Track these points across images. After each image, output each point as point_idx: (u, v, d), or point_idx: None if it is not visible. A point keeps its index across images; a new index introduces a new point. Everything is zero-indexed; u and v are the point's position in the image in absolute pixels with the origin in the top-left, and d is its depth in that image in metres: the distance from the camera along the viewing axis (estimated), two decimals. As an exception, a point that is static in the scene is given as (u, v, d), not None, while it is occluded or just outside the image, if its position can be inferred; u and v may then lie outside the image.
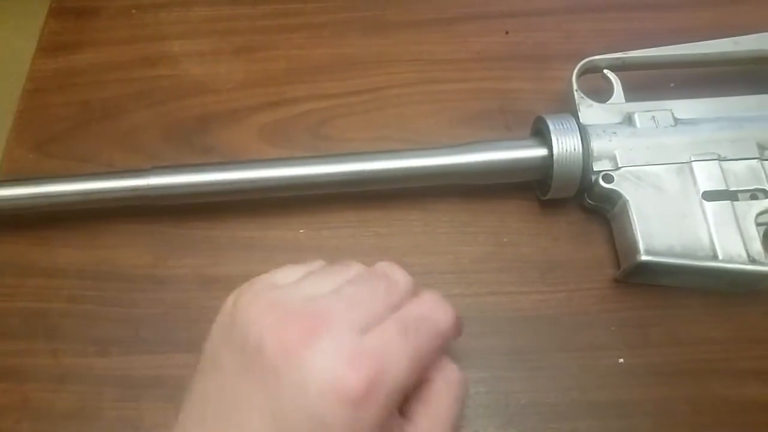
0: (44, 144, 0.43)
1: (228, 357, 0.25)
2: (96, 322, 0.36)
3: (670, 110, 0.38)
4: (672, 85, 0.43)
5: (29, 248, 0.39)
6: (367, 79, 0.45)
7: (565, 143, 0.35)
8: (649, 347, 0.35)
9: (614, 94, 0.39)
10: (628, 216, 0.35)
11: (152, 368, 0.35)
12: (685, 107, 0.38)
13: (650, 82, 0.42)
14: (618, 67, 0.40)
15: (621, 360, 0.34)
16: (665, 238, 0.34)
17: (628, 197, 0.35)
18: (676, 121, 0.37)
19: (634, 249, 0.34)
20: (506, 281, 0.37)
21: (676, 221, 0.35)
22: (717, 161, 0.36)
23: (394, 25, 0.47)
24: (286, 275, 0.28)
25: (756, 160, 0.36)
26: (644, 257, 0.33)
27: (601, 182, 0.35)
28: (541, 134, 0.37)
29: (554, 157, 0.35)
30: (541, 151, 0.36)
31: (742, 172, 0.35)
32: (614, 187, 0.35)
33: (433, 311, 0.27)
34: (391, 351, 0.24)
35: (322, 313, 0.24)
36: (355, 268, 0.28)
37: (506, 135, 0.42)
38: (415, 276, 0.37)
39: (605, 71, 0.40)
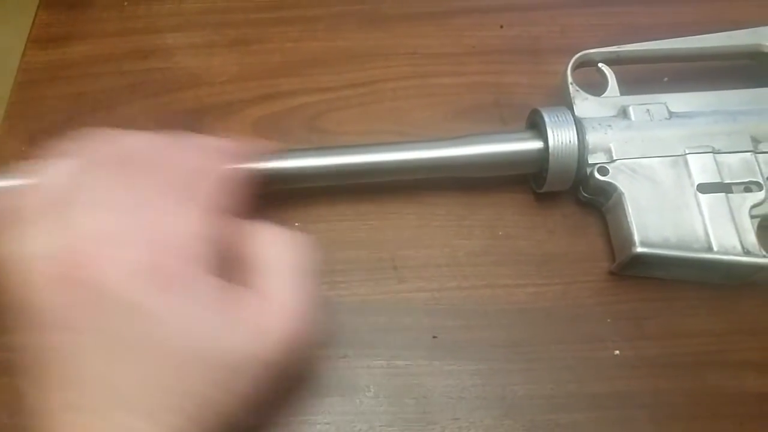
0: (36, 136, 0.42)
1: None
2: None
3: (665, 103, 0.38)
4: (666, 79, 0.43)
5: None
6: (362, 73, 0.45)
7: (560, 136, 0.36)
8: (645, 339, 0.35)
9: (609, 87, 0.39)
10: (623, 208, 0.35)
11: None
12: (680, 101, 0.38)
13: (644, 76, 0.42)
14: (613, 61, 0.40)
15: (617, 352, 0.34)
16: (660, 231, 0.34)
17: (623, 190, 0.35)
18: (671, 114, 0.37)
19: (629, 241, 0.34)
20: (502, 274, 0.37)
21: (671, 213, 0.35)
22: (711, 154, 0.36)
23: (389, 19, 0.47)
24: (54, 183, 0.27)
25: (750, 153, 0.36)
26: (639, 249, 0.34)
27: (597, 175, 0.36)
28: (536, 127, 0.37)
29: (550, 150, 0.35)
30: (536, 144, 0.36)
31: (737, 165, 0.36)
32: (609, 180, 0.35)
33: (198, 161, 0.28)
34: (166, 220, 0.25)
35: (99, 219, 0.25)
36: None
37: (502, 128, 0.42)
38: (411, 269, 0.37)
39: (600, 65, 0.40)
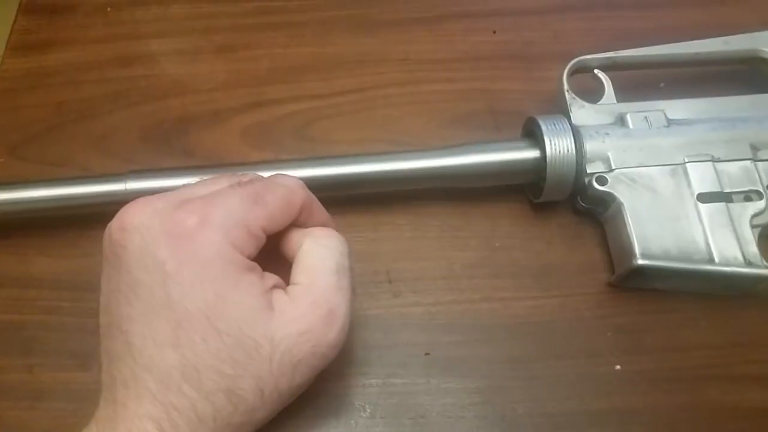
0: (16, 147, 0.41)
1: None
2: (74, 335, 0.34)
3: (663, 111, 0.37)
4: (662, 85, 0.42)
5: (1, 257, 0.37)
6: (352, 79, 0.44)
7: (558, 145, 0.35)
8: (646, 353, 0.34)
9: (605, 94, 0.38)
10: (623, 219, 0.34)
11: (133, 383, 0.33)
12: (678, 107, 0.37)
13: (640, 82, 0.41)
14: (608, 67, 0.39)
15: (618, 367, 0.34)
16: (661, 242, 0.34)
17: (622, 200, 0.34)
18: (669, 122, 0.37)
19: (629, 253, 0.33)
20: (499, 287, 0.36)
21: (671, 224, 0.34)
22: (711, 162, 0.35)
23: (379, 24, 0.46)
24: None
25: (749, 161, 0.35)
26: (640, 261, 0.33)
27: (595, 184, 0.35)
28: (532, 135, 0.36)
29: (547, 159, 0.35)
30: (533, 153, 0.36)
31: (736, 174, 0.35)
32: (608, 190, 0.35)
33: (270, 179, 0.29)
34: (221, 194, 0.27)
35: (158, 196, 0.27)
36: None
37: (496, 136, 0.41)
38: (406, 282, 0.36)
39: (596, 71, 0.39)
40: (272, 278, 0.27)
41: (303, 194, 0.29)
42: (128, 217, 0.26)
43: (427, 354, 0.34)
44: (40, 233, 0.37)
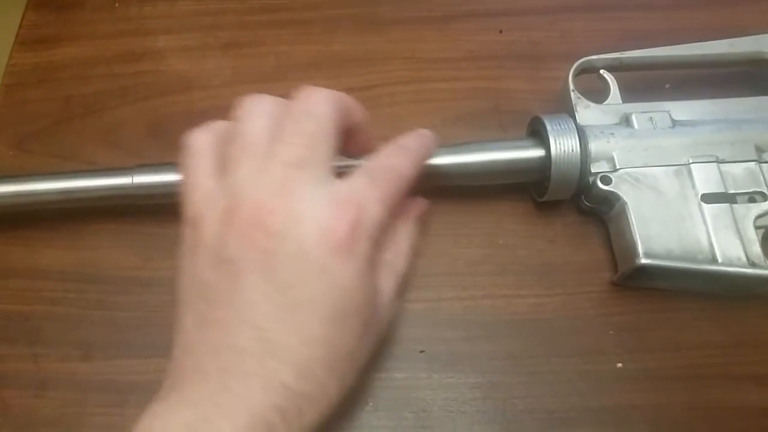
0: (24, 140, 0.41)
1: (210, 272, 0.26)
2: (78, 326, 0.35)
3: (668, 111, 0.37)
4: (667, 86, 0.42)
5: (9, 249, 0.37)
6: (358, 77, 0.44)
7: (563, 144, 0.35)
8: (648, 352, 0.34)
9: (611, 94, 0.38)
10: (627, 218, 0.34)
11: (137, 373, 0.33)
12: (683, 109, 0.37)
13: (645, 83, 0.41)
14: (615, 68, 0.39)
15: (619, 365, 0.34)
16: (664, 241, 0.34)
17: (626, 199, 0.34)
18: (674, 123, 0.37)
19: (633, 252, 0.33)
20: (502, 284, 0.36)
21: (674, 224, 0.34)
22: (715, 163, 0.35)
23: (385, 23, 0.46)
24: (204, 158, 0.29)
25: (754, 162, 0.35)
26: (643, 260, 0.33)
27: (599, 184, 0.35)
28: (538, 135, 0.37)
29: (552, 158, 0.35)
30: (538, 152, 0.36)
31: (741, 175, 0.35)
32: (612, 189, 0.35)
33: (393, 159, 0.30)
34: (365, 196, 0.27)
35: (277, 175, 0.26)
36: (264, 102, 0.30)
37: (502, 135, 0.41)
38: (409, 278, 0.36)
39: (601, 71, 0.39)
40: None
41: (414, 173, 0.30)
42: (270, 219, 0.26)
43: (422, 351, 0.34)
44: (48, 225, 0.37)
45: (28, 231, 0.38)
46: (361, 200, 0.27)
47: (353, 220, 0.26)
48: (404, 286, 0.31)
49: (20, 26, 0.46)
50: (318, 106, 0.29)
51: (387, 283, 0.30)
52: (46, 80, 0.44)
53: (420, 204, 0.35)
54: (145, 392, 0.32)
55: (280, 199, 0.26)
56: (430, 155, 0.33)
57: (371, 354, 0.29)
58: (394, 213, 0.29)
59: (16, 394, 0.33)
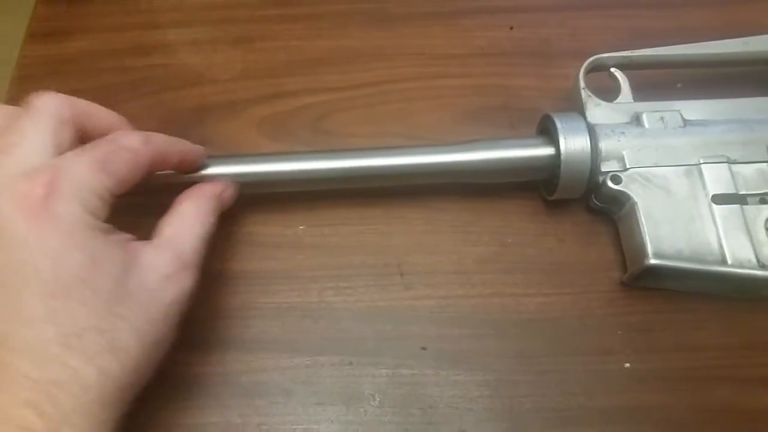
0: (34, 133, 0.41)
1: None
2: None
3: (679, 111, 0.37)
4: (679, 85, 0.42)
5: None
6: (368, 73, 0.44)
7: (573, 142, 0.35)
8: (656, 352, 0.34)
9: (621, 93, 0.38)
10: (636, 218, 0.34)
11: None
12: (694, 108, 0.37)
13: (657, 82, 0.41)
14: (626, 66, 0.39)
15: (627, 365, 0.34)
16: (674, 242, 0.34)
17: (636, 199, 0.34)
18: (685, 122, 0.36)
19: (642, 252, 0.33)
20: (511, 282, 0.36)
21: (684, 224, 0.34)
22: (726, 164, 0.35)
23: (395, 18, 0.46)
24: None
25: (766, 163, 0.35)
26: (653, 261, 0.33)
27: (609, 183, 0.35)
28: (547, 132, 0.36)
29: (562, 157, 0.35)
30: (548, 150, 0.36)
31: (752, 176, 0.35)
32: (622, 189, 0.35)
33: (123, 137, 0.30)
34: (69, 160, 0.27)
35: None
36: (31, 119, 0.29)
37: (511, 132, 0.41)
38: (418, 276, 0.36)
39: (612, 69, 0.39)
40: (128, 235, 0.29)
41: (148, 151, 0.30)
42: None
43: (423, 348, 0.34)
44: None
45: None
46: (61, 165, 0.26)
47: (47, 182, 0.25)
48: (187, 259, 0.29)
49: (31, 19, 0.46)
50: (38, 105, 0.29)
51: (157, 258, 0.28)
52: (56, 73, 0.44)
53: (216, 185, 0.34)
54: (162, 386, 0.33)
55: None
56: (184, 155, 0.33)
57: (155, 335, 0.27)
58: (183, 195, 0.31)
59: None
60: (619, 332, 0.35)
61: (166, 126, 0.41)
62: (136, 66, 0.44)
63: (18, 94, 0.43)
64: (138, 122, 0.41)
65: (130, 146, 0.29)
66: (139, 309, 0.26)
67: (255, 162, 0.36)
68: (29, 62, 0.44)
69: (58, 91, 0.42)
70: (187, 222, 0.31)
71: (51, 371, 0.24)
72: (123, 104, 0.42)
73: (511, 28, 0.45)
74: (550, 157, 0.36)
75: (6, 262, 0.24)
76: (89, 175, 0.27)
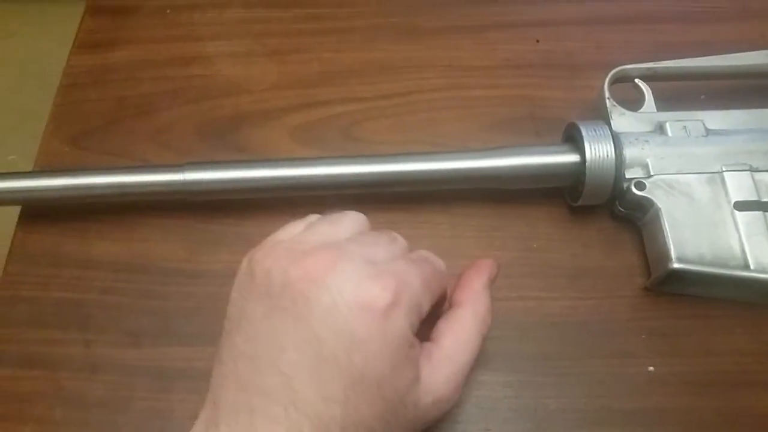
0: (79, 138, 0.43)
1: (253, 306, 0.26)
2: (128, 314, 0.37)
3: (702, 120, 0.38)
4: (703, 97, 0.43)
5: (64, 239, 0.39)
6: (397, 84, 0.45)
7: (598, 149, 0.36)
8: (679, 356, 0.35)
9: (645, 103, 0.39)
10: (660, 224, 0.35)
11: (183, 360, 0.35)
12: (717, 118, 0.38)
13: (680, 94, 0.42)
14: (649, 77, 0.40)
15: (651, 368, 0.34)
16: (697, 247, 0.34)
17: (660, 205, 0.35)
18: (708, 132, 0.37)
19: (665, 257, 0.34)
20: (535, 287, 0.37)
21: (707, 230, 0.35)
22: (749, 172, 0.36)
23: (424, 32, 0.48)
24: (291, 230, 0.30)
25: (789, 172, 0.36)
26: (676, 265, 0.34)
27: (633, 189, 0.36)
28: (573, 140, 0.37)
29: (587, 163, 0.36)
30: (573, 157, 0.37)
31: (775, 184, 0.36)
32: (646, 195, 0.35)
33: (429, 256, 0.30)
34: (406, 271, 0.27)
35: (338, 248, 0.27)
36: (350, 216, 0.31)
37: (536, 141, 0.42)
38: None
39: (636, 80, 0.40)
40: (417, 347, 0.28)
41: (448, 280, 0.30)
42: (315, 269, 0.26)
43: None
44: (101, 218, 0.39)
45: (83, 223, 0.39)
46: (402, 275, 0.27)
47: (394, 289, 0.26)
48: (460, 381, 0.28)
49: (78, 31, 0.48)
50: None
51: (433, 381, 0.27)
52: (100, 82, 0.46)
53: (491, 266, 0.32)
54: (191, 379, 0.35)
55: (330, 258, 0.26)
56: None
57: None
58: (452, 301, 0.30)
59: (68, 376, 0.35)
60: (643, 336, 0.35)
61: (203, 133, 0.43)
62: (176, 76, 0.46)
63: (64, 101, 0.45)
64: (177, 128, 0.43)
65: (442, 269, 0.30)
66: (406, 423, 0.27)
67: (287, 166, 0.37)
68: (75, 71, 0.46)
69: (102, 98, 0.45)
70: (463, 334, 0.29)
71: None
72: (163, 112, 0.44)
73: (537, 41, 0.47)
74: (575, 163, 0.36)
75: (329, 341, 0.25)
76: (420, 291, 0.27)
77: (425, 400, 0.27)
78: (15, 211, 0.40)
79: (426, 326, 0.28)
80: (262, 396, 0.25)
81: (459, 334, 0.29)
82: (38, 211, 0.40)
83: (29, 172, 0.39)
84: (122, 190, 0.37)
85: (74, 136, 0.43)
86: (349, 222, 0.30)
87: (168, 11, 0.49)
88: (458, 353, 0.28)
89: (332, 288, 0.25)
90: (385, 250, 0.28)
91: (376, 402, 0.25)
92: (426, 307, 0.27)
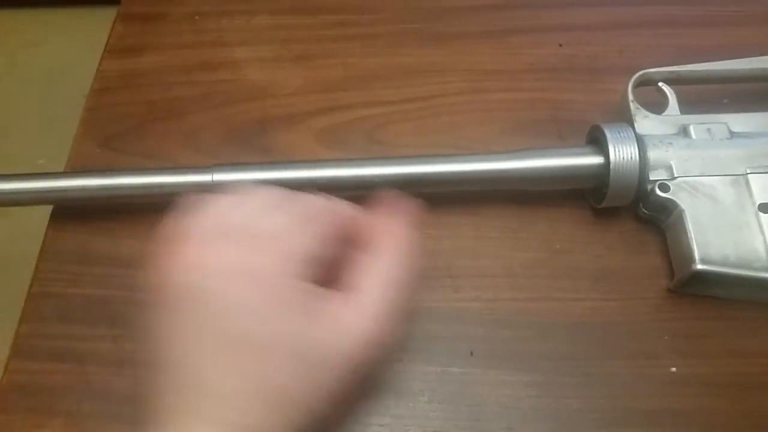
0: (110, 140, 0.44)
1: (151, 315, 0.28)
2: (156, 311, 0.37)
3: (726, 123, 0.38)
4: (726, 101, 0.43)
5: (94, 238, 0.40)
6: (421, 88, 0.46)
7: (622, 151, 0.36)
8: (703, 358, 0.35)
9: (669, 106, 0.39)
10: (684, 225, 0.35)
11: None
12: (741, 121, 0.38)
13: (703, 98, 0.42)
14: (673, 81, 0.40)
15: (673, 369, 0.34)
16: (721, 249, 0.34)
17: (684, 207, 0.35)
18: (732, 134, 0.37)
19: (689, 258, 0.34)
20: (558, 288, 0.37)
21: (731, 232, 0.35)
22: (774, 174, 0.36)
23: (447, 37, 0.48)
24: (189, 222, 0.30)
25: (814, 174, 0.36)
26: (700, 266, 0.34)
27: (657, 191, 0.36)
28: (597, 142, 0.38)
29: (611, 165, 0.36)
30: (597, 159, 0.37)
31: (800, 186, 0.35)
32: (670, 197, 0.35)
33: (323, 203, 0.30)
34: (285, 231, 0.27)
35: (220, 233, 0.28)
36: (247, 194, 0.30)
37: (559, 143, 0.42)
38: (467, 279, 0.38)
39: (660, 84, 0.40)
40: (335, 294, 0.28)
41: (349, 214, 0.30)
42: (193, 258, 0.27)
43: (471, 354, 0.35)
44: (131, 218, 0.40)
45: (112, 222, 0.40)
46: (280, 234, 0.27)
47: (270, 252, 0.26)
48: (391, 320, 0.28)
49: (109, 37, 0.50)
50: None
51: (353, 317, 0.27)
52: (131, 86, 0.47)
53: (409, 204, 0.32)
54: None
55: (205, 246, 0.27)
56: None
57: (344, 397, 0.27)
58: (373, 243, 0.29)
59: (96, 370, 0.36)
60: (666, 337, 0.35)
61: (231, 136, 0.44)
62: (205, 81, 0.47)
63: (96, 105, 0.46)
64: (206, 131, 0.44)
65: (332, 207, 0.30)
66: (339, 375, 0.26)
67: (314, 167, 0.38)
68: (107, 75, 0.48)
69: (132, 102, 0.46)
70: (386, 273, 0.29)
71: (250, 418, 0.25)
72: (191, 115, 0.45)
73: (560, 45, 0.47)
74: (599, 165, 0.37)
75: (223, 322, 0.26)
76: (306, 241, 0.28)
77: (348, 345, 0.26)
78: (47, 210, 0.41)
79: (346, 271, 0.28)
80: (177, 394, 0.25)
81: (381, 273, 0.28)
82: (69, 211, 0.41)
83: (61, 173, 0.40)
84: (152, 190, 0.38)
85: (105, 139, 0.45)
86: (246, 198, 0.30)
87: (196, 18, 0.50)
88: (382, 292, 0.28)
89: (214, 272, 0.26)
90: (265, 215, 0.28)
91: (283, 363, 0.25)
92: (318, 251, 0.27)
